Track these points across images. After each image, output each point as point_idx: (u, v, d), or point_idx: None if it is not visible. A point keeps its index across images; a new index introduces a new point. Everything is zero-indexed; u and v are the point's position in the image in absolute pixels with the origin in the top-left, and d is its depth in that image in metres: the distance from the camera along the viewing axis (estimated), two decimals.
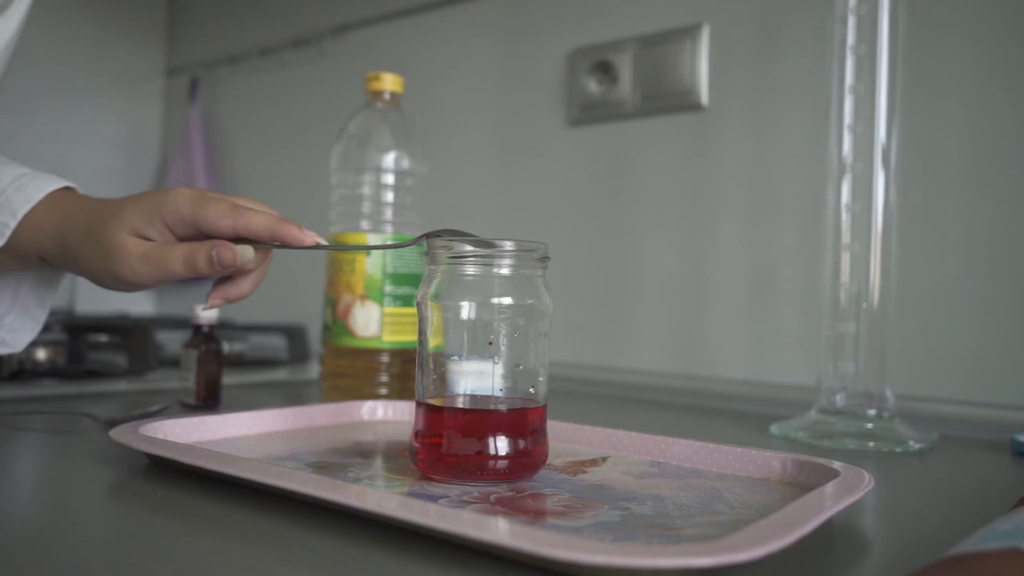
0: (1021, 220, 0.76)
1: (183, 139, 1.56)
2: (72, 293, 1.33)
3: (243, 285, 0.59)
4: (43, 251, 0.58)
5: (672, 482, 0.49)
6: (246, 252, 0.56)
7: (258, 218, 0.55)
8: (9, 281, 0.64)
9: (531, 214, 1.10)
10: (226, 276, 0.59)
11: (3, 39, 0.65)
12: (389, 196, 0.80)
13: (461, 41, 1.19)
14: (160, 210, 0.55)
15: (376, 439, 0.61)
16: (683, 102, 0.97)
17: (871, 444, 0.65)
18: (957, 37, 0.80)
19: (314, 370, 0.99)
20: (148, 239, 0.56)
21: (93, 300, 1.47)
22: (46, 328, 0.95)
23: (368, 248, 0.57)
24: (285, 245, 0.56)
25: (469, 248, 0.48)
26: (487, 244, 0.48)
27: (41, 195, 0.58)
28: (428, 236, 0.52)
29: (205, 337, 0.74)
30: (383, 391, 0.78)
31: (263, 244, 0.57)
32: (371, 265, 0.77)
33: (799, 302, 0.88)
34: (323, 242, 0.57)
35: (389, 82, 0.81)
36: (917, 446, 0.64)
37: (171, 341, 1.13)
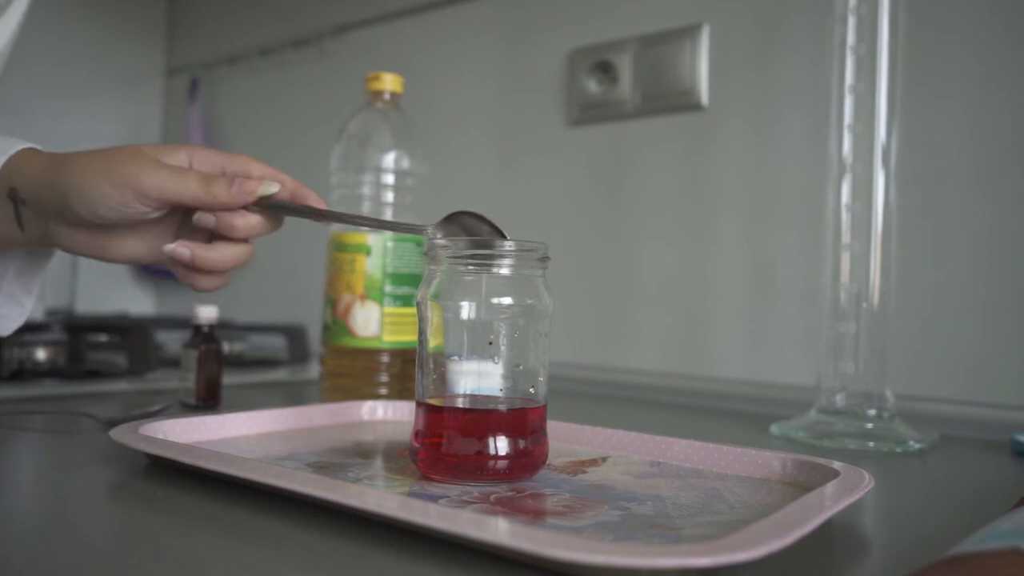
0: (1021, 220, 0.76)
1: (183, 139, 1.56)
2: (72, 293, 1.33)
3: (223, 250, 0.56)
4: (22, 178, 0.54)
5: (672, 482, 0.49)
6: (270, 185, 0.55)
7: (283, 174, 0.56)
8: None
9: (531, 214, 1.10)
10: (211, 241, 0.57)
11: (1, 40, 0.64)
12: (389, 196, 0.80)
13: (461, 41, 1.19)
14: (186, 146, 0.56)
15: (376, 439, 0.61)
16: (683, 102, 0.97)
17: (871, 444, 0.65)
18: (957, 37, 0.80)
19: (314, 370, 0.99)
20: None
21: (93, 300, 1.47)
22: (46, 328, 0.95)
23: (386, 226, 0.57)
24: (299, 210, 0.56)
25: (469, 248, 0.48)
26: (489, 243, 0.48)
27: (17, 148, 0.56)
28: (450, 217, 0.52)
29: (205, 337, 0.74)
30: (383, 391, 0.78)
31: (278, 205, 0.56)
32: (371, 265, 0.77)
33: (799, 302, 0.88)
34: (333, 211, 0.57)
35: (389, 82, 0.81)
36: (917, 446, 0.64)
37: (171, 341, 1.13)
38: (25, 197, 0.55)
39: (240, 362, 1.05)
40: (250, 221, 0.56)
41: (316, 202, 0.57)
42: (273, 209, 0.56)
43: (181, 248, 0.55)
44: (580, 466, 0.53)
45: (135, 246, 0.57)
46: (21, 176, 0.55)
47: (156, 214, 0.55)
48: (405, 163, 0.81)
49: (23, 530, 0.40)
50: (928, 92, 0.80)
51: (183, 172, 0.54)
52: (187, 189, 0.54)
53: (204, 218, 0.56)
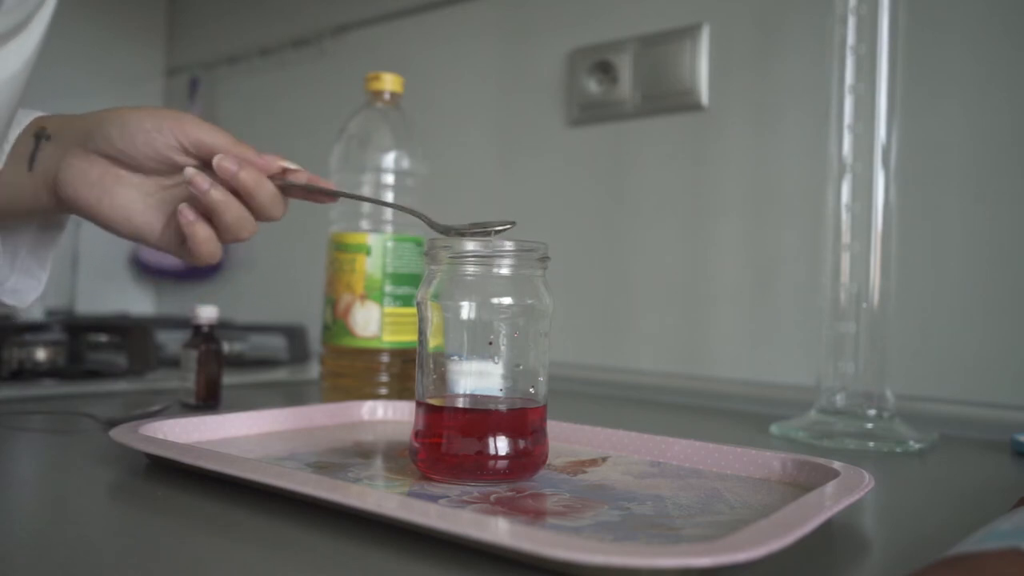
0: (1021, 220, 0.76)
1: None
2: (72, 293, 1.33)
3: (234, 203, 0.59)
4: (55, 118, 0.58)
5: (672, 482, 0.49)
6: (297, 170, 0.61)
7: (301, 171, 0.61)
8: (6, 246, 0.64)
9: (531, 214, 1.10)
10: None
11: (12, 67, 0.62)
12: (389, 196, 0.80)
13: (461, 41, 1.19)
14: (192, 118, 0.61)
15: (376, 439, 0.61)
16: (683, 102, 0.97)
17: (871, 444, 0.65)
18: (957, 37, 0.80)
19: (314, 370, 0.99)
20: None
21: (93, 300, 1.47)
22: (46, 328, 0.95)
23: (391, 205, 0.59)
24: (317, 194, 0.60)
25: (469, 248, 0.48)
26: (489, 243, 0.48)
27: (33, 116, 0.60)
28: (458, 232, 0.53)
29: (205, 337, 0.74)
30: (383, 391, 0.78)
31: (296, 184, 0.60)
32: (371, 265, 0.77)
33: (799, 302, 0.88)
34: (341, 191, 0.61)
35: (389, 82, 0.81)
36: (917, 446, 0.64)
37: (171, 341, 1.13)
38: (52, 132, 0.58)
39: (240, 362, 1.05)
40: (272, 189, 0.59)
41: (328, 186, 0.62)
42: (289, 189, 0.60)
43: (200, 177, 0.57)
44: (580, 466, 0.53)
45: (135, 199, 0.58)
46: (54, 117, 0.59)
47: (180, 158, 0.58)
48: (405, 163, 0.81)
49: (23, 530, 0.40)
50: (928, 92, 0.80)
51: (219, 128, 0.60)
52: (220, 140, 0.59)
53: (226, 160, 0.58)
